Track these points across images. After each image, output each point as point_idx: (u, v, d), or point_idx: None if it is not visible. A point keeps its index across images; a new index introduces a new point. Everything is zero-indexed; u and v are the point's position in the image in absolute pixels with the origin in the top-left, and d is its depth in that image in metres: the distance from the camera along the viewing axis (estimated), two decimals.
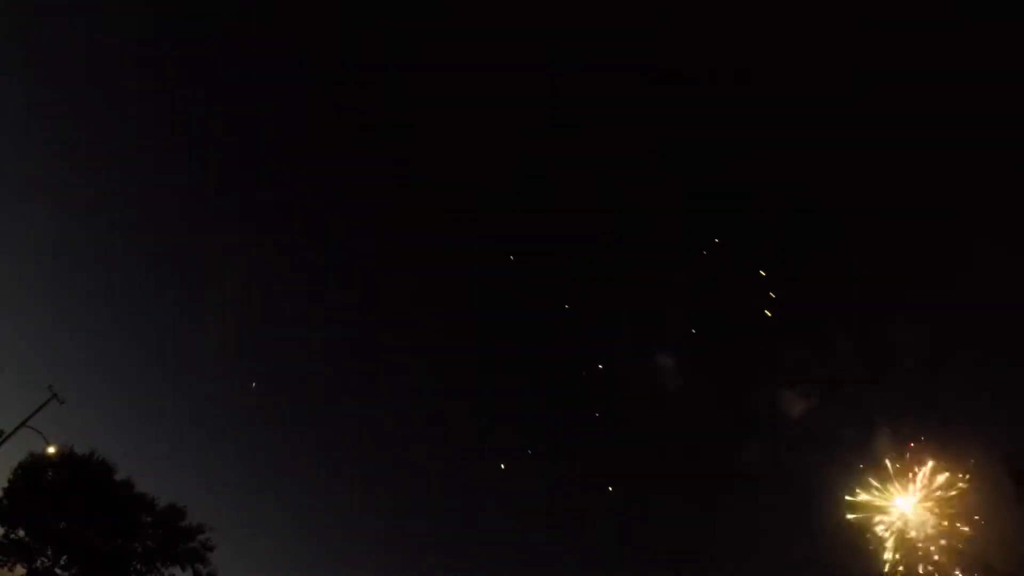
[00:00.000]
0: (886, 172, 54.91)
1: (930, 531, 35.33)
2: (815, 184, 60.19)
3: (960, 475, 35.19)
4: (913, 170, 53.24)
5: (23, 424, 25.87)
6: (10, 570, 31.83)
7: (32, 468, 33.04)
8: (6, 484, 32.69)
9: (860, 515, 37.06)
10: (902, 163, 54.64)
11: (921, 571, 35.15)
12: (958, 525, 34.83)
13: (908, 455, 36.85)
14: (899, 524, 36.13)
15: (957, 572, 34.35)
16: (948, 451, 36.13)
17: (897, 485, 36.51)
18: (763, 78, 57.72)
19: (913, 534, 35.72)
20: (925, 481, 35.94)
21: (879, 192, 57.35)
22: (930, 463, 35.91)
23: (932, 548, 35.17)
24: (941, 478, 35.56)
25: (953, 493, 35.16)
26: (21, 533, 32.20)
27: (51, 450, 30.09)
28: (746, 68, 57.15)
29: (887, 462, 37.09)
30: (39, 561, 32.09)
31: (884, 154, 56.38)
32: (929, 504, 35.75)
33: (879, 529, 36.67)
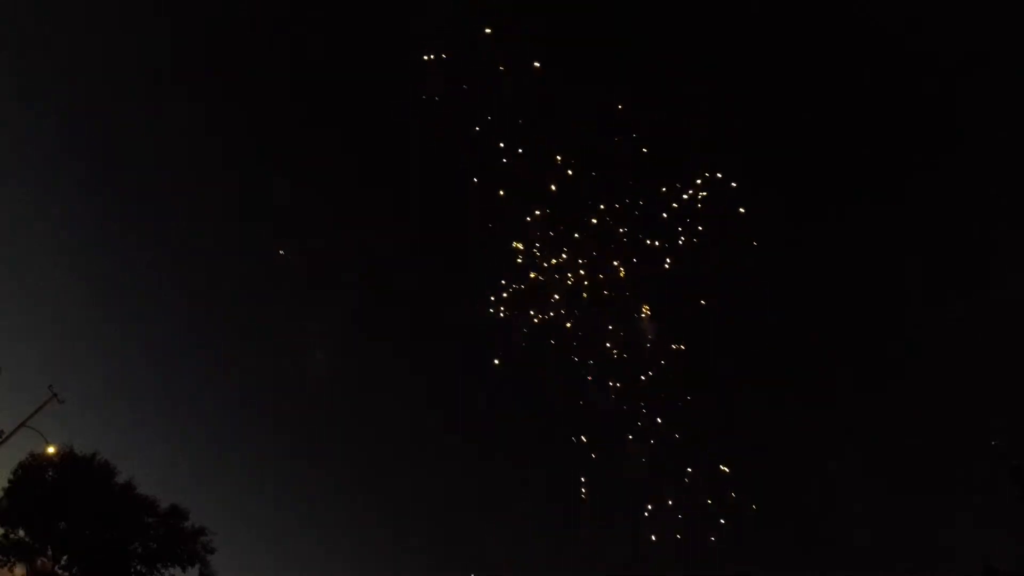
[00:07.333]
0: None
1: None
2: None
3: None
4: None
5: (23, 424, 25.79)
6: (10, 570, 31.83)
7: (32, 468, 33.01)
8: (6, 484, 32.66)
9: None
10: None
11: None
12: None
13: None
14: None
15: None
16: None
17: None
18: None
19: None
20: None
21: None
22: None
23: None
24: None
25: None
26: (21, 533, 32.18)
27: (51, 450, 30.02)
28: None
29: None
30: (39, 561, 32.08)
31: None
32: None
33: None
